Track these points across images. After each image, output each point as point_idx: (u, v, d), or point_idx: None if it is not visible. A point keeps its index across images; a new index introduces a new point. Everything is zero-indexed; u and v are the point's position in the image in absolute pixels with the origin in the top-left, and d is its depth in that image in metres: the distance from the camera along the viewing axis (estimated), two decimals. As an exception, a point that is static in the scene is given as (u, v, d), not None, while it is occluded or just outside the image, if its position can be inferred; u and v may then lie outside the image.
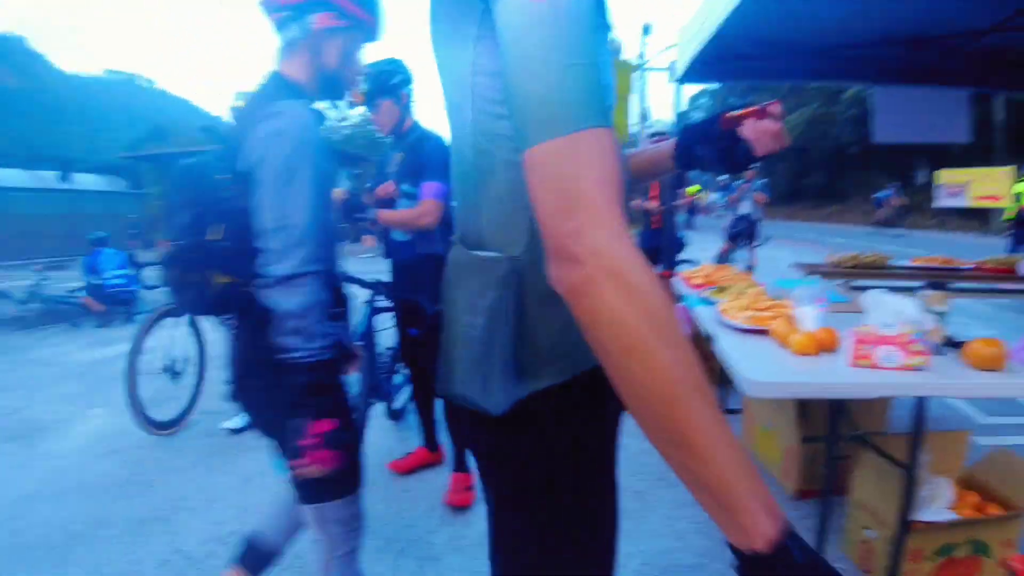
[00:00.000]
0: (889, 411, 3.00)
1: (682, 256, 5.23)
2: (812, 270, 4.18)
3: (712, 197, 23.08)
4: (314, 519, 1.36)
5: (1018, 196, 8.07)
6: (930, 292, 1.97)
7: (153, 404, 3.53)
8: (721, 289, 2.76)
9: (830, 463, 2.14)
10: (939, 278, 4.24)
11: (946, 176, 7.84)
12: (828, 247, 13.87)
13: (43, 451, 3.46)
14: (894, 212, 20.05)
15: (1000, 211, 12.73)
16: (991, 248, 8.16)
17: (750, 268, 8.26)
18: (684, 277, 3.37)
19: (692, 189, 11.15)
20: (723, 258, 8.56)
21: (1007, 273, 4.16)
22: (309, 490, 1.30)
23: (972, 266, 4.22)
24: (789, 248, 13.82)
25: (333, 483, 1.29)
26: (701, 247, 8.95)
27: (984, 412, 3.93)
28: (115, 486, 3.00)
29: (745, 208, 8.74)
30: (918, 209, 19.64)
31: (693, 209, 18.92)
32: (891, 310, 1.87)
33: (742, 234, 8.70)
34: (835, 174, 25.24)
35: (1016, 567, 1.61)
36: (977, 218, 17.64)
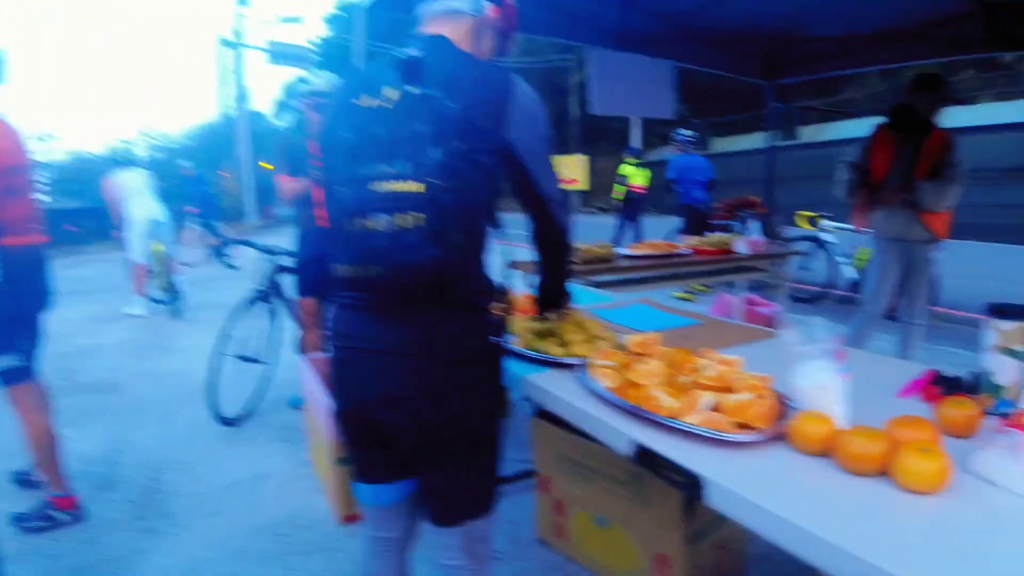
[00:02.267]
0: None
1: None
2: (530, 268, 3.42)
3: None
4: (461, 542, 1.33)
5: (624, 178, 8.91)
6: (1007, 326, 1.19)
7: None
8: (545, 334, 1.70)
9: None
10: (670, 267, 3.98)
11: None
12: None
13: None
14: None
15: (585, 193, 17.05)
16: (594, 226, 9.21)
17: None
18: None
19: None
20: None
21: (726, 253, 4.03)
22: (458, 509, 1.30)
23: (691, 250, 4.01)
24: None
25: (487, 494, 1.33)
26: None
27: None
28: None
29: None
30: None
31: None
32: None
33: None
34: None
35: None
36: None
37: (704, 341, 1.85)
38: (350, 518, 2.12)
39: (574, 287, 1.74)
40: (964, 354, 4.49)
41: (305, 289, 3.26)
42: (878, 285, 3.52)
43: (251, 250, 3.66)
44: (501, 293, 1.28)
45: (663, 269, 3.80)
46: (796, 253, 5.11)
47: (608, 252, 3.70)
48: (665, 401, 1.27)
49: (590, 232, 5.24)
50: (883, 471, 1.02)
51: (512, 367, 1.57)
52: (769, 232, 6.49)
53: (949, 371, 1.54)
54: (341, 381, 1.28)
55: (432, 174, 1.08)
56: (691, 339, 1.89)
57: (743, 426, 1.19)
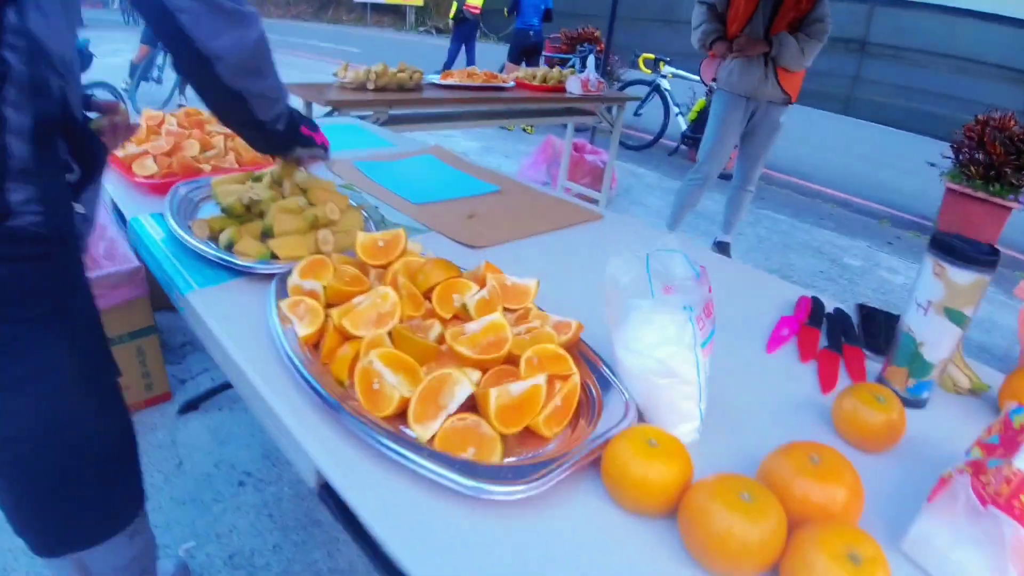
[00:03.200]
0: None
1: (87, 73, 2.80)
2: (312, 93, 2.52)
3: None
4: None
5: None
6: (963, 277, 0.59)
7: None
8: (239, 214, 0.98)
9: None
10: (487, 102, 3.21)
11: None
12: (274, 47, 12.69)
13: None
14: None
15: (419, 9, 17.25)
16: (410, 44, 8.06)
17: (182, 80, 5.55)
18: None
19: None
20: (142, 71, 5.58)
21: (555, 91, 3.35)
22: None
23: (513, 83, 3.29)
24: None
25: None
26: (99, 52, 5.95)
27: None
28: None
29: None
30: (337, 4, 19.59)
31: None
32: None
33: None
34: None
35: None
36: (394, 13, 18.83)
37: (494, 228, 1.20)
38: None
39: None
40: (785, 220, 4.46)
41: None
42: (717, 144, 3.11)
43: None
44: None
45: (479, 104, 3.05)
46: (632, 99, 4.59)
47: (410, 77, 2.84)
48: (388, 382, 0.63)
49: (421, 56, 4.20)
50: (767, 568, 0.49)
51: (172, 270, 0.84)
52: (607, 72, 5.93)
53: (828, 303, 1.06)
54: None
55: None
56: (477, 224, 1.23)
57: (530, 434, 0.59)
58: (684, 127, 6.00)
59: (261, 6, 19.24)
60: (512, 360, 0.68)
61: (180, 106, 5.91)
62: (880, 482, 0.63)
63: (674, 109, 6.11)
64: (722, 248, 3.40)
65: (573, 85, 3.33)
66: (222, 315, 0.82)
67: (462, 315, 0.74)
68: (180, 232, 0.96)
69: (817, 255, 3.89)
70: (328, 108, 2.52)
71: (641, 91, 6.21)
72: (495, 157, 5.26)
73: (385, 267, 0.82)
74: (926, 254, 0.74)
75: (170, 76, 5.78)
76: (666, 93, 6.11)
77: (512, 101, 3.18)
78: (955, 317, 0.73)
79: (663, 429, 0.60)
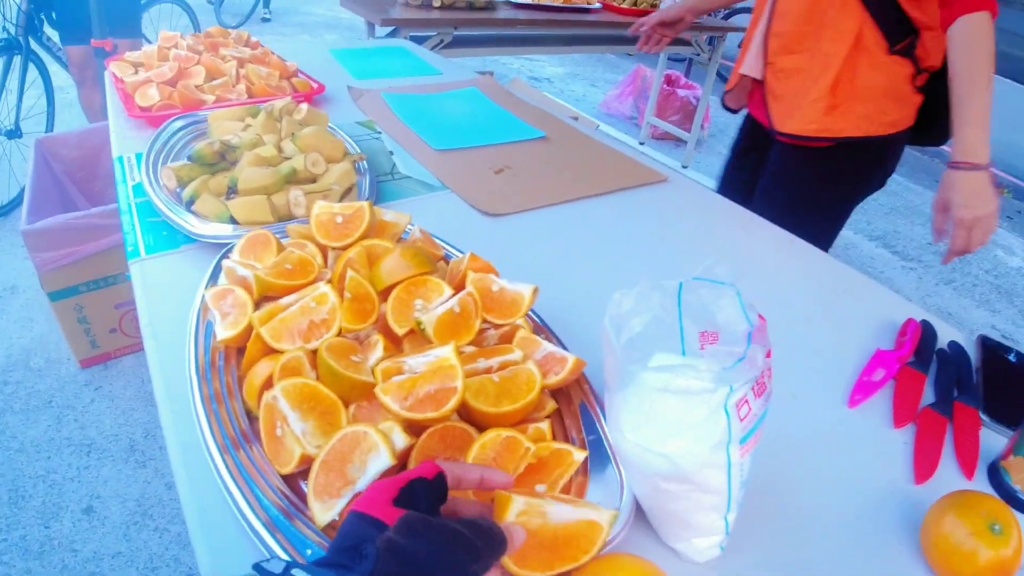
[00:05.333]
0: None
1: None
2: (373, 10, 2.29)
3: None
4: None
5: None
6: None
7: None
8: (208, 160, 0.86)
9: None
10: (565, 25, 2.87)
11: None
12: None
13: None
14: None
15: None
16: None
17: None
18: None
19: None
20: None
21: (641, 14, 2.96)
22: None
23: (599, 3, 2.93)
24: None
25: None
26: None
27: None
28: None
29: None
30: None
31: None
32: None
33: None
34: None
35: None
36: None
37: (523, 188, 0.99)
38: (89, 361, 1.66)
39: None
40: (894, 179, 3.90)
41: (69, 33, 2.33)
42: None
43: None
44: None
45: (558, 27, 2.72)
46: (735, 29, 4.05)
47: (482, -6, 2.55)
48: (292, 430, 0.47)
49: None
50: None
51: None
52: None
53: (943, 330, 0.79)
54: None
55: None
56: (503, 182, 1.02)
57: None
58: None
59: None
60: (470, 416, 0.49)
61: (264, 20, 5.84)
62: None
63: None
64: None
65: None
66: (157, 293, 0.68)
67: (418, 335, 0.55)
68: (146, 181, 0.81)
69: (927, 223, 3.38)
70: (389, 28, 2.30)
71: (748, 21, 5.52)
72: (580, 84, 4.87)
73: (344, 250, 0.63)
74: None
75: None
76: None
77: (597, 25, 2.83)
78: None
79: (666, 541, 0.41)
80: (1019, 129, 5.71)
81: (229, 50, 1.29)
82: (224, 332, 0.56)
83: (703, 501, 0.42)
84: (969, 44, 0.95)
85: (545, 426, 0.50)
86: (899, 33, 1.05)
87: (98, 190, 1.93)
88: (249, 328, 0.56)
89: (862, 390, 0.66)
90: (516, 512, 0.41)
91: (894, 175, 1.26)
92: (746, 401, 0.40)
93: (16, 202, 2.36)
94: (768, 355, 0.42)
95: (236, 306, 0.58)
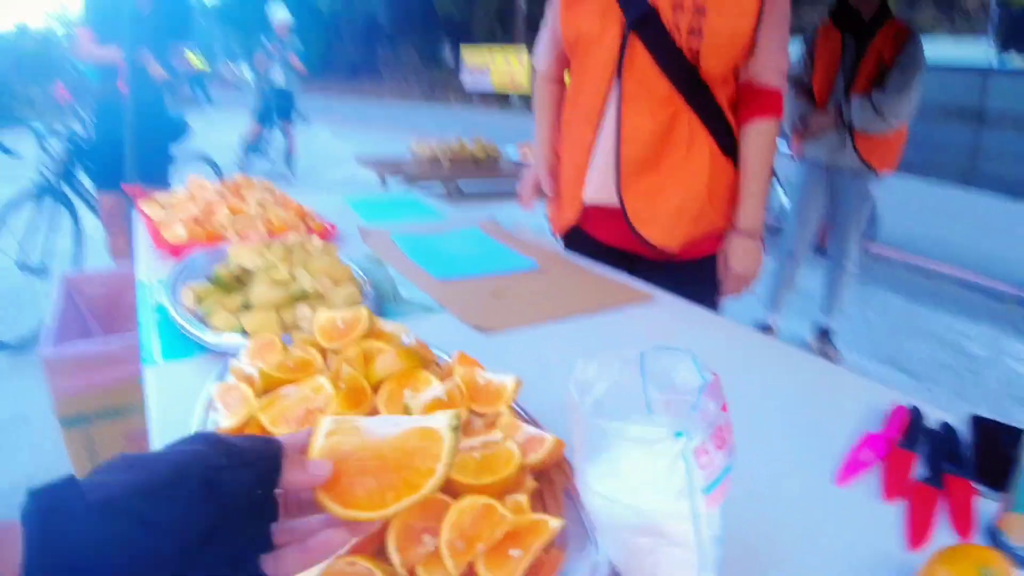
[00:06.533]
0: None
1: (186, 144, 3.01)
2: (386, 168, 2.54)
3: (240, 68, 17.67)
4: None
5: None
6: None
7: None
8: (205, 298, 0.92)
9: None
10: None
11: (469, 55, 8.63)
12: (378, 126, 12.20)
13: None
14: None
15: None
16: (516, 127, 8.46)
17: (289, 156, 6.67)
18: (144, 212, 1.40)
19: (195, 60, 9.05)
20: (252, 146, 6.59)
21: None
22: None
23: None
24: (331, 128, 11.21)
25: None
26: (221, 129, 6.57)
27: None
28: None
29: (277, 77, 6.43)
30: (445, 86, 19.71)
31: (199, 80, 14.65)
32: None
33: (274, 111, 6.49)
34: (367, 49, 24.67)
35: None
36: (497, 99, 17.50)
37: (516, 308, 1.05)
38: None
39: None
40: (898, 303, 3.98)
41: (103, 180, 2.57)
42: (800, 219, 2.87)
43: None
44: None
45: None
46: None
47: (484, 152, 2.82)
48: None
49: (523, 133, 4.32)
50: None
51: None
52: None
53: (933, 413, 0.81)
54: None
55: None
56: (498, 304, 1.09)
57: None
58: (784, 202, 5.64)
59: (378, 90, 20.99)
60: (451, 489, 0.51)
61: (285, 179, 6.49)
62: None
63: (778, 189, 5.79)
64: (823, 335, 3.02)
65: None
66: (168, 397, 0.72)
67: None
68: (165, 299, 0.90)
69: (935, 343, 3.38)
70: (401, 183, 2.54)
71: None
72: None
73: (342, 350, 0.69)
74: None
75: (278, 151, 6.40)
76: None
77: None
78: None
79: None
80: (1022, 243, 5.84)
81: (252, 192, 1.44)
82: (225, 421, 0.60)
83: (674, 556, 0.43)
84: (757, 141, 1.22)
85: (524, 499, 0.52)
86: (729, 140, 1.23)
87: (119, 327, 2.03)
88: (249, 417, 0.59)
89: (851, 469, 0.67)
90: (324, 432, 0.41)
91: (894, 298, 1.37)
92: (705, 451, 0.43)
93: (34, 337, 2.46)
94: (724, 408, 0.45)
95: (239, 400, 0.62)
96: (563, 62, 1.38)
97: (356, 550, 0.47)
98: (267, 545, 0.37)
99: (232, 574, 0.35)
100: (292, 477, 0.38)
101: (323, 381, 0.61)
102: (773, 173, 1.32)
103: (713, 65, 1.15)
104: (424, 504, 0.49)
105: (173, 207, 1.35)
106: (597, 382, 0.48)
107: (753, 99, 1.21)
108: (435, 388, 0.61)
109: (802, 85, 2.69)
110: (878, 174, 2.64)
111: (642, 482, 0.43)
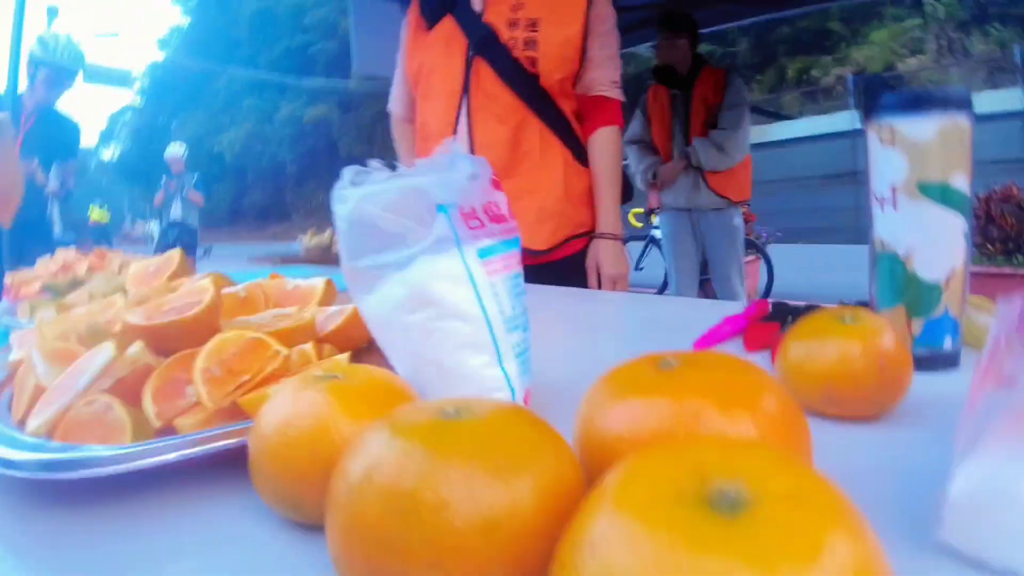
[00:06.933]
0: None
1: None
2: (277, 261, 2.50)
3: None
4: None
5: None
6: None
7: None
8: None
9: None
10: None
11: None
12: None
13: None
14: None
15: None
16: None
17: None
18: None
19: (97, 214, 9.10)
20: None
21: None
22: None
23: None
24: (238, 266, 11.69)
25: None
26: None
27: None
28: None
29: (177, 212, 6.31)
30: None
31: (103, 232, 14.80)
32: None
33: (174, 246, 6.14)
34: (274, 191, 25.29)
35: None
36: None
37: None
38: None
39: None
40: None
41: None
42: (678, 265, 2.93)
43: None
44: None
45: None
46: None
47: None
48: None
49: None
50: None
51: None
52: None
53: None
54: None
55: None
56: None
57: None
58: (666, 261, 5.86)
59: (289, 232, 21.09)
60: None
61: None
62: (879, 458, 0.35)
63: (654, 251, 6.03)
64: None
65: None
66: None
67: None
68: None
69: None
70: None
71: (636, 247, 6.20)
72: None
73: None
74: (864, 126, 0.51)
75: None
76: (662, 241, 6.09)
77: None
78: (943, 196, 0.46)
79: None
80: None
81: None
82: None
83: (459, 332, 0.38)
84: (604, 148, 1.28)
85: (310, 347, 0.45)
86: (580, 149, 1.29)
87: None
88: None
89: (709, 339, 0.64)
90: None
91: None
92: (474, 214, 0.40)
93: None
94: (496, 186, 0.43)
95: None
96: (415, 103, 1.43)
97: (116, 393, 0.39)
98: None
99: None
100: None
101: (118, 297, 0.54)
102: (625, 179, 1.35)
103: (550, 71, 1.22)
104: (186, 356, 0.43)
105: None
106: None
107: (593, 109, 1.29)
108: (236, 287, 0.55)
109: (644, 143, 2.86)
110: (736, 205, 2.78)
111: (405, 258, 0.38)
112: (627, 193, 1.38)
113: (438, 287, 0.37)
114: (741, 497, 0.15)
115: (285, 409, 0.28)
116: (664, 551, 0.14)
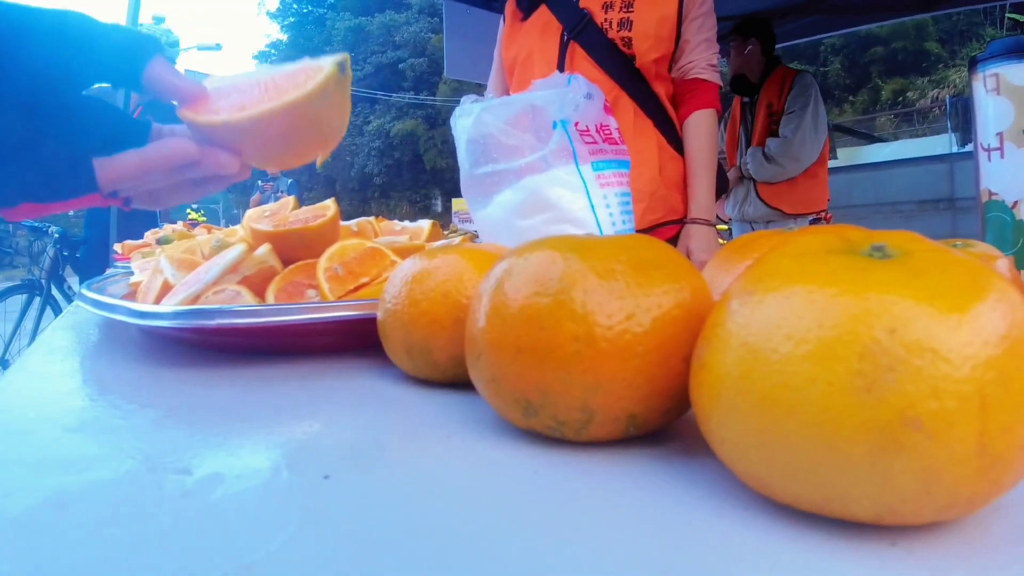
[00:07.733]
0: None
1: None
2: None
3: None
4: None
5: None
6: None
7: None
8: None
9: None
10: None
11: (459, 204, 9.06)
12: None
13: None
14: None
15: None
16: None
17: None
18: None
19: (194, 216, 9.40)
20: None
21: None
22: None
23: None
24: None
25: None
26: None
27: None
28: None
29: None
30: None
31: None
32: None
33: None
34: (361, 201, 26.10)
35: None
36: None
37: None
38: None
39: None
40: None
41: (89, 278, 2.47)
42: None
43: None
44: None
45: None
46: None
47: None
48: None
49: None
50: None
51: None
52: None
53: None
54: None
55: None
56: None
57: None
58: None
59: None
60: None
61: None
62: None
63: None
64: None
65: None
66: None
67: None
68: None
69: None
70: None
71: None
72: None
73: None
74: (971, 78, 0.49)
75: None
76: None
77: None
78: None
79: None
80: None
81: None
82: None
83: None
84: (698, 132, 1.25)
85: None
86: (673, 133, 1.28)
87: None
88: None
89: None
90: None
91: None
92: (589, 132, 0.41)
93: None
94: (608, 112, 0.43)
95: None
96: (509, 94, 1.47)
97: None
98: (110, 144, 0.32)
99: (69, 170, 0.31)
100: (160, 72, 0.33)
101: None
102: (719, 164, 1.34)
103: (645, 50, 1.22)
104: (308, 264, 0.46)
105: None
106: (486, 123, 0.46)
107: (688, 93, 1.28)
108: (349, 222, 0.59)
109: (721, 155, 2.81)
110: (791, 217, 2.59)
111: (524, 168, 0.40)
112: (722, 186, 1.35)
113: (555, 192, 0.39)
114: (893, 252, 0.15)
115: (420, 265, 0.30)
116: (825, 271, 0.14)
